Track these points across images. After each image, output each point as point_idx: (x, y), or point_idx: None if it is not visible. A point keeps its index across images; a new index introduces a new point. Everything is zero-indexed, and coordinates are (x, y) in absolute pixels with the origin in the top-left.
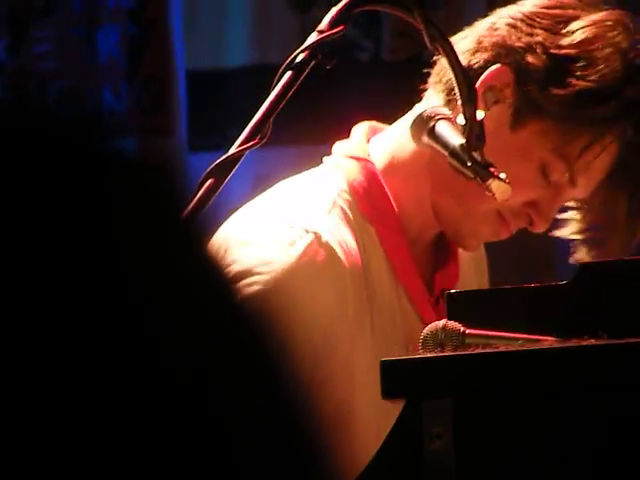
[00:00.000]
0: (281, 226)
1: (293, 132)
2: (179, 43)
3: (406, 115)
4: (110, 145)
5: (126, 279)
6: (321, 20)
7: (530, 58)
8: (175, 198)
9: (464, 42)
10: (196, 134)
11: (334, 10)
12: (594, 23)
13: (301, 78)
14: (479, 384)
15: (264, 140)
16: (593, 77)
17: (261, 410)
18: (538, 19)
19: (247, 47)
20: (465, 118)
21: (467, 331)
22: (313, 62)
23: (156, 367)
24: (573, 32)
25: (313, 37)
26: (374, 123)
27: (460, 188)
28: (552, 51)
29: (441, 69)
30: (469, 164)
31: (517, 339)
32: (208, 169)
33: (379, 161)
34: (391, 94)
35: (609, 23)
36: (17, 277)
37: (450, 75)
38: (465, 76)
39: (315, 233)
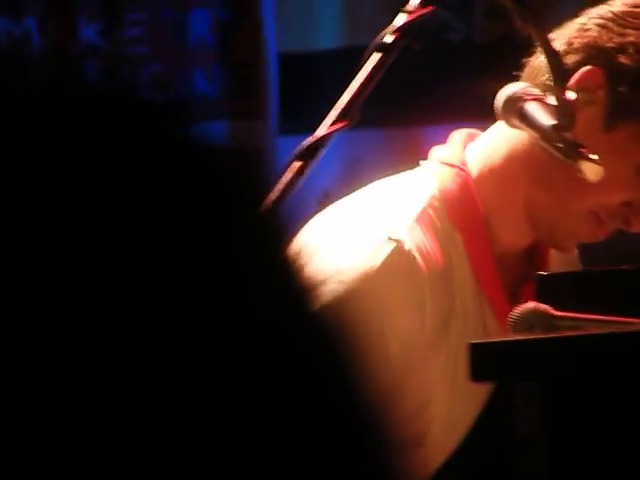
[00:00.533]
0: (365, 233)
1: (383, 114)
2: (270, 26)
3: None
4: (192, 133)
5: (194, 279)
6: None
7: (622, 59)
8: (257, 189)
9: (554, 43)
10: (287, 117)
11: None
12: None
13: (390, 60)
14: (570, 367)
15: (353, 122)
16: None
17: (330, 416)
18: (629, 19)
19: (337, 30)
20: (556, 99)
21: (557, 313)
22: (402, 44)
23: (228, 373)
24: None
25: (401, 18)
26: (472, 130)
27: (557, 186)
28: None
29: (534, 68)
30: (560, 145)
31: (608, 322)
32: (296, 152)
33: (474, 168)
34: (483, 75)
35: None
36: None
37: (543, 60)
38: (556, 56)
39: (398, 241)
